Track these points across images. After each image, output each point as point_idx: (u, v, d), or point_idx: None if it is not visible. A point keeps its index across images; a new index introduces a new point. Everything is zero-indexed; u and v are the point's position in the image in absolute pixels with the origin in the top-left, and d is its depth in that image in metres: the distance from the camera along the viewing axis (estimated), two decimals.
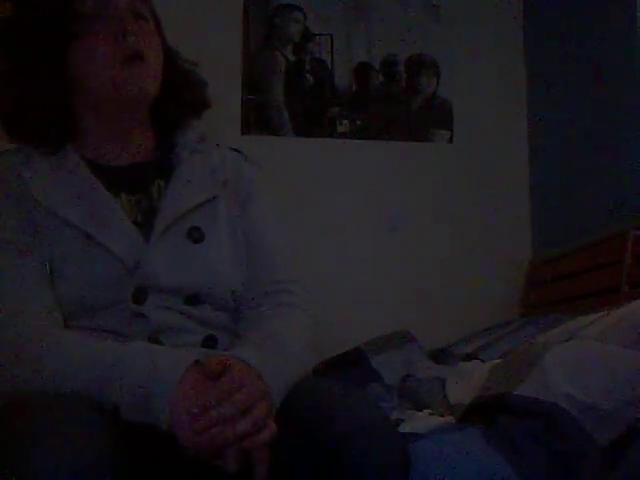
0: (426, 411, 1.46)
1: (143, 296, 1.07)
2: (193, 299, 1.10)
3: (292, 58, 2.66)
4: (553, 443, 1.12)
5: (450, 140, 2.73)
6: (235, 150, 1.27)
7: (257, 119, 2.51)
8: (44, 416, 0.83)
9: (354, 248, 2.54)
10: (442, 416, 1.40)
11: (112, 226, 1.09)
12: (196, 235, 1.13)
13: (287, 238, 1.23)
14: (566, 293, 2.29)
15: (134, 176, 1.16)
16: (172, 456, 0.91)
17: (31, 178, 1.10)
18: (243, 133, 2.45)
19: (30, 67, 1.12)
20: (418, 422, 1.31)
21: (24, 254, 1.06)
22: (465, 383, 1.53)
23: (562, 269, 2.38)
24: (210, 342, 1.11)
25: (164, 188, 1.16)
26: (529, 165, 2.75)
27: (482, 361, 1.81)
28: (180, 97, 1.23)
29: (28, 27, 1.13)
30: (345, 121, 2.67)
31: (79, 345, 0.98)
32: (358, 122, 2.68)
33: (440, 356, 2.08)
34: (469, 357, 1.94)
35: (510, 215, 2.69)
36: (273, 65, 2.61)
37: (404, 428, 1.26)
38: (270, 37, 2.63)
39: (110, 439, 0.84)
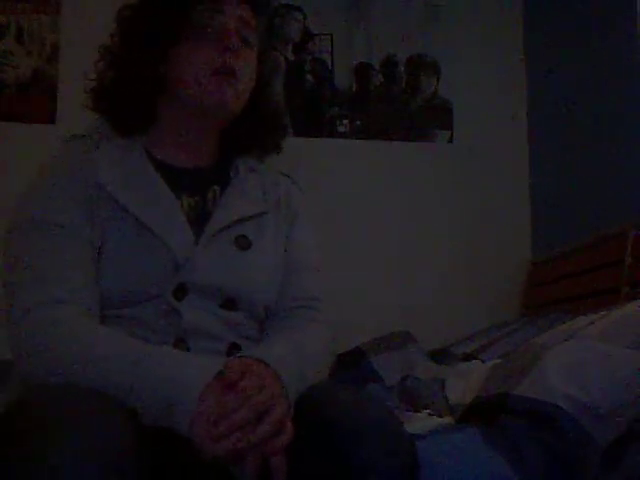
0: (426, 411, 1.46)
1: (183, 293, 1.10)
2: (229, 303, 1.13)
3: (292, 58, 2.66)
4: (553, 443, 1.12)
5: (450, 140, 2.73)
6: (286, 175, 1.31)
7: None
8: (66, 412, 0.84)
9: (354, 248, 2.54)
10: (442, 416, 1.40)
11: (169, 222, 1.13)
12: (243, 243, 1.17)
13: (325, 259, 1.28)
14: (566, 293, 2.29)
15: (194, 179, 1.21)
16: (191, 458, 0.92)
17: (100, 164, 1.15)
18: None
19: (135, 56, 1.18)
20: (418, 422, 1.31)
21: (74, 239, 1.08)
22: (465, 383, 1.53)
23: (562, 269, 2.38)
24: (234, 351, 1.12)
25: (219, 194, 1.19)
26: (529, 165, 2.75)
27: (482, 361, 1.81)
28: (257, 130, 1.27)
29: (146, 21, 1.19)
30: (345, 121, 2.67)
31: (109, 345, 1.00)
32: (358, 122, 2.68)
33: (440, 356, 2.08)
34: (469, 357, 1.94)
35: (510, 215, 2.69)
36: (273, 65, 2.62)
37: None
38: (270, 37, 2.63)
39: (133, 437, 0.85)
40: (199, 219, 1.16)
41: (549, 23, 2.67)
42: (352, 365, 1.96)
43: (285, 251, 1.22)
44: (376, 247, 2.58)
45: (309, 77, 2.67)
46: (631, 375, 1.17)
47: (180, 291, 1.09)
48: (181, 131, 1.20)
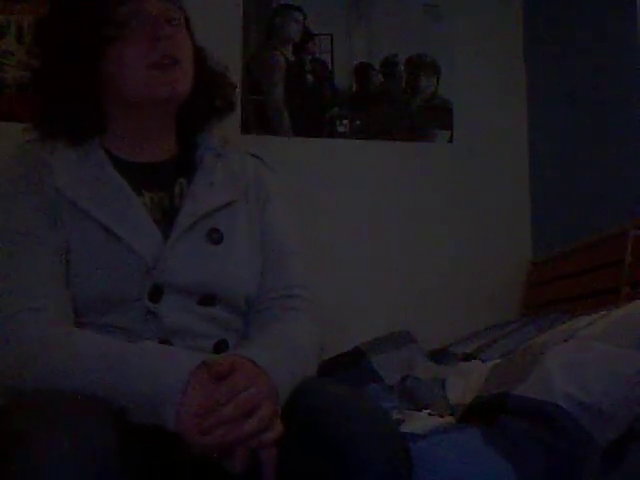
0: (426, 411, 1.46)
1: (159, 294, 1.08)
2: (207, 300, 1.12)
3: (292, 58, 2.66)
4: (553, 443, 1.12)
5: (450, 140, 2.73)
6: (254, 156, 1.29)
7: (257, 119, 2.51)
8: (49, 414, 0.84)
9: (354, 248, 2.54)
10: (442, 416, 1.40)
11: (134, 223, 1.11)
12: (215, 237, 1.14)
13: (303, 243, 1.25)
14: (566, 293, 2.28)
15: (157, 174, 1.19)
16: (178, 456, 0.92)
17: (56, 168, 1.12)
18: (243, 133, 2.45)
19: (62, 67, 1.15)
20: (418, 422, 1.31)
21: (40, 246, 1.07)
22: (465, 383, 1.53)
23: (562, 269, 2.38)
24: (221, 347, 1.12)
25: (186, 187, 1.17)
26: (529, 165, 2.75)
27: (482, 361, 1.81)
28: (208, 99, 1.25)
29: (62, 29, 1.16)
30: (345, 121, 2.67)
31: (88, 345, 0.99)
32: (358, 122, 2.67)
33: (440, 356, 2.08)
34: (469, 357, 1.94)
35: (510, 215, 2.69)
36: (273, 65, 2.62)
37: (404, 428, 1.25)
38: (270, 37, 2.63)
39: (115, 437, 0.84)
40: (167, 216, 1.14)
41: (549, 23, 2.67)
42: (352, 365, 1.96)
43: (261, 236, 1.20)
44: (376, 247, 2.58)
45: (309, 77, 2.66)
46: (631, 375, 1.17)
47: (156, 293, 1.08)
48: (134, 127, 1.18)
